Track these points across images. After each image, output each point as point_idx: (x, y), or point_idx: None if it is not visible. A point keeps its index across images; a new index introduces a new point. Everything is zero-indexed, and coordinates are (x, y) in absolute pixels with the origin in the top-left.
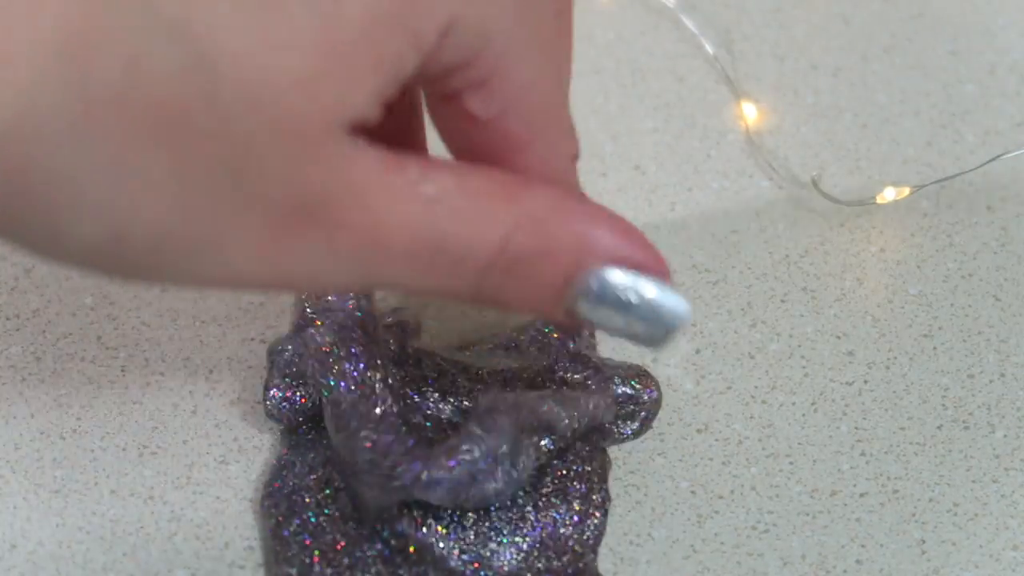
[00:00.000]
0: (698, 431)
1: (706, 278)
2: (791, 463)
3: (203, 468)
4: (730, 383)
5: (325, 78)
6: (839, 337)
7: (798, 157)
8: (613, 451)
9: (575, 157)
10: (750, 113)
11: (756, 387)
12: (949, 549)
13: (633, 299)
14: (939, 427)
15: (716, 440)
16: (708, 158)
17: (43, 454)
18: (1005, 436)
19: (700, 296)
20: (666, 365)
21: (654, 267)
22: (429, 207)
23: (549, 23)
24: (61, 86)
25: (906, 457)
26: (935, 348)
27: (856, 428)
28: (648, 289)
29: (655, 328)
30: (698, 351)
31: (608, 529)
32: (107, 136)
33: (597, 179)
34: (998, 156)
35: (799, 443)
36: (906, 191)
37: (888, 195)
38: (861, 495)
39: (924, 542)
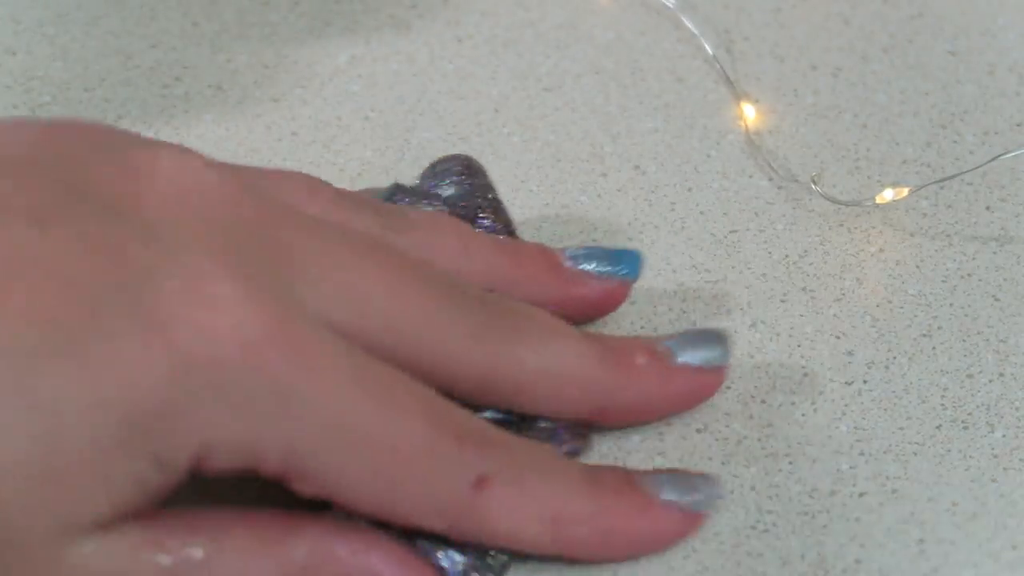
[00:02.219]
0: (698, 431)
1: (706, 278)
2: (790, 463)
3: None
4: (730, 383)
5: (43, 500)
6: (838, 337)
7: (798, 157)
8: (613, 450)
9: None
10: (750, 113)
11: (756, 387)
12: (948, 548)
13: None
14: (938, 427)
15: (716, 440)
16: (708, 158)
17: None
18: (1004, 436)
19: (700, 296)
20: None
21: None
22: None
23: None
24: None
25: (905, 457)
26: (934, 348)
27: (855, 428)
28: None
29: None
30: None
31: None
32: None
33: (597, 179)
34: (998, 156)
35: (798, 443)
36: (905, 191)
37: (887, 195)
38: (860, 495)
39: (923, 541)
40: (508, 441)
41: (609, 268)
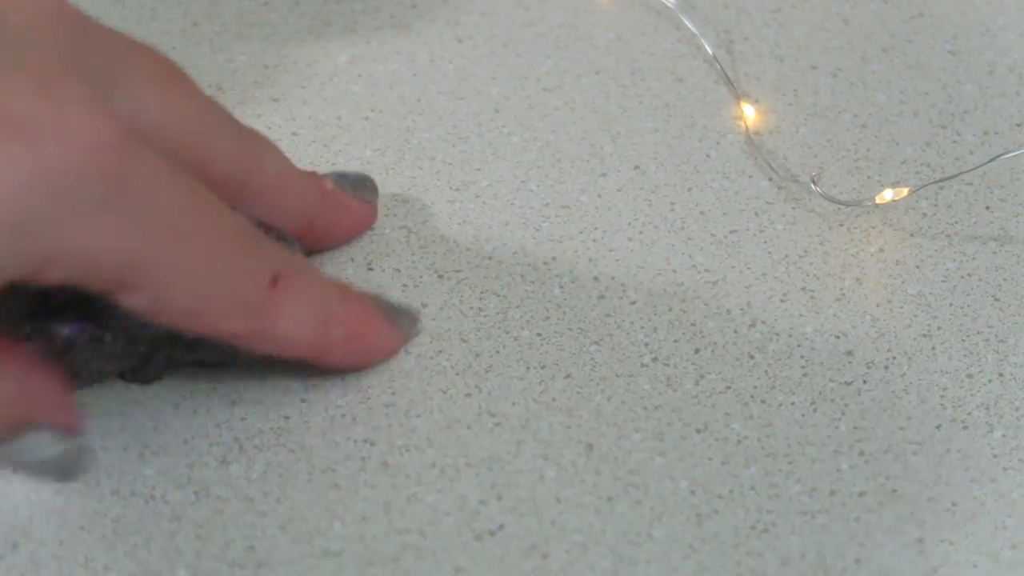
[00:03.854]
0: (698, 431)
1: (706, 278)
2: (790, 463)
3: (203, 468)
4: (730, 383)
5: None
6: (838, 337)
7: (798, 157)
8: (613, 450)
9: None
10: (750, 113)
11: (755, 387)
12: (947, 548)
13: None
14: (938, 427)
15: (715, 440)
16: (708, 158)
17: None
18: (1003, 436)
19: (700, 296)
20: (665, 365)
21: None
22: None
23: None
24: None
25: (905, 457)
26: (934, 348)
27: (855, 428)
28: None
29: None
30: (698, 351)
31: (608, 528)
32: None
33: (597, 179)
34: (997, 156)
35: (798, 443)
36: (905, 191)
37: (887, 195)
38: (860, 495)
39: (923, 541)
40: (287, 248)
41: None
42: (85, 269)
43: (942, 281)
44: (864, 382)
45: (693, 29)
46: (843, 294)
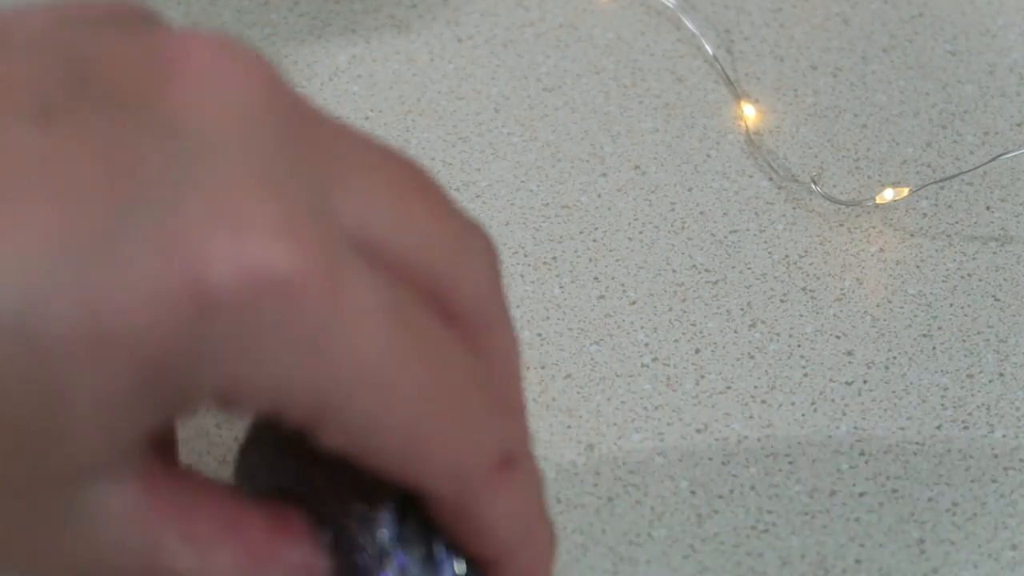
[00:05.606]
0: (698, 431)
1: (706, 278)
2: (790, 463)
3: (203, 468)
4: (730, 383)
5: (40, 455)
6: (838, 337)
7: (798, 157)
8: (613, 450)
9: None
10: (750, 113)
11: (756, 387)
12: (948, 549)
13: None
14: (938, 427)
15: (716, 440)
16: (708, 158)
17: None
18: (1004, 436)
19: (700, 296)
20: (665, 365)
21: None
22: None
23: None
24: None
25: (905, 457)
26: (934, 348)
27: (855, 428)
28: None
29: None
30: (698, 351)
31: (608, 528)
32: None
33: (597, 179)
34: (998, 156)
35: (798, 443)
36: (905, 191)
37: (887, 195)
38: (860, 495)
39: (923, 542)
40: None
41: None
42: (268, 405)
43: (942, 281)
44: (864, 382)
45: (693, 29)
46: (843, 294)
